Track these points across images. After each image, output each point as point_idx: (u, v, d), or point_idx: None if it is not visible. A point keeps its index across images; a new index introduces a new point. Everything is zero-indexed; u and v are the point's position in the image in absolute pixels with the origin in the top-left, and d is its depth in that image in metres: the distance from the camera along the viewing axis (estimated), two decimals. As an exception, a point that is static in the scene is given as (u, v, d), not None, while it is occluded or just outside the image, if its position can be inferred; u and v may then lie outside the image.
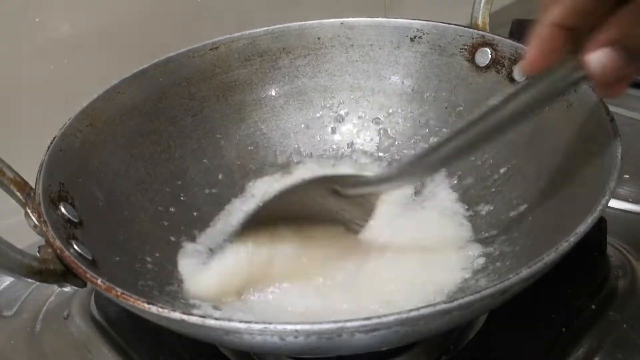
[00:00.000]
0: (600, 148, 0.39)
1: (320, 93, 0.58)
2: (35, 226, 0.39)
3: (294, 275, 0.43)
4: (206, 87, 0.55)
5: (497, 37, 0.52)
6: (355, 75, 0.58)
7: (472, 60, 0.53)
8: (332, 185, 0.43)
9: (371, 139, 0.58)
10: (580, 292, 0.44)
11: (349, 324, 0.28)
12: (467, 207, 0.50)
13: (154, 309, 0.30)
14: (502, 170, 0.49)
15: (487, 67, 0.52)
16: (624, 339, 0.42)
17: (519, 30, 0.79)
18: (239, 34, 0.56)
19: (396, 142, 0.57)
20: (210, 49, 0.55)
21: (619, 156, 0.37)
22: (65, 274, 0.37)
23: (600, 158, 0.38)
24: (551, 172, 0.44)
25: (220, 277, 0.43)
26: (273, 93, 0.58)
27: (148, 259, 0.44)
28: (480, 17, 0.55)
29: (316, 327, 0.29)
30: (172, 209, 0.50)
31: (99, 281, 0.33)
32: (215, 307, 0.42)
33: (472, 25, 0.55)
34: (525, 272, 0.30)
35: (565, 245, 0.32)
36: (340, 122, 0.58)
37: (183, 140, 0.53)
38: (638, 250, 0.48)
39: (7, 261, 0.35)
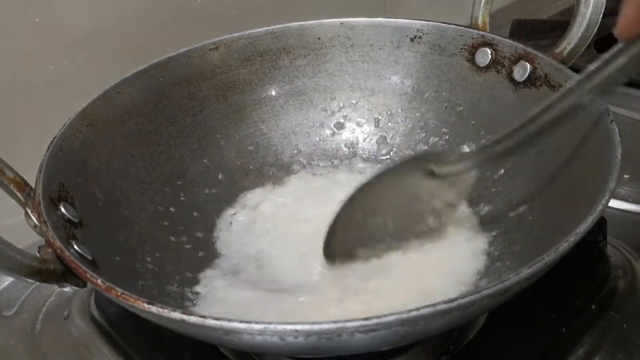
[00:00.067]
0: (600, 148, 0.39)
1: (320, 93, 0.58)
2: (35, 226, 0.39)
3: None
4: (206, 87, 0.55)
5: (497, 37, 0.52)
6: (355, 75, 0.58)
7: (472, 60, 0.53)
8: (426, 164, 0.43)
9: (371, 139, 0.58)
10: (580, 292, 0.44)
11: (349, 324, 0.28)
12: (467, 208, 0.50)
13: (154, 309, 0.30)
14: (502, 170, 0.49)
15: (487, 67, 0.52)
16: (624, 339, 0.42)
17: (519, 30, 0.79)
18: (239, 34, 0.56)
19: (396, 142, 0.57)
20: (210, 49, 0.55)
21: (619, 156, 0.37)
22: (65, 274, 0.37)
23: (600, 158, 0.38)
24: (551, 172, 0.44)
25: None
26: (273, 93, 0.58)
27: (148, 259, 0.44)
28: (480, 17, 0.55)
29: (316, 327, 0.29)
30: (172, 209, 0.50)
31: (99, 281, 0.33)
32: None
33: (472, 25, 0.55)
34: (525, 272, 0.30)
35: (565, 245, 0.32)
36: (340, 122, 0.58)
37: (183, 140, 0.53)
38: (638, 250, 0.48)
39: (7, 261, 0.35)
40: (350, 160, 0.57)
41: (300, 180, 0.55)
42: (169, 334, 0.34)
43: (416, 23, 0.55)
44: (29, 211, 0.39)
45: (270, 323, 0.29)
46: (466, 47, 0.53)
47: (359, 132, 0.58)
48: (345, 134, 0.58)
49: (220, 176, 0.54)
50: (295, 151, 0.57)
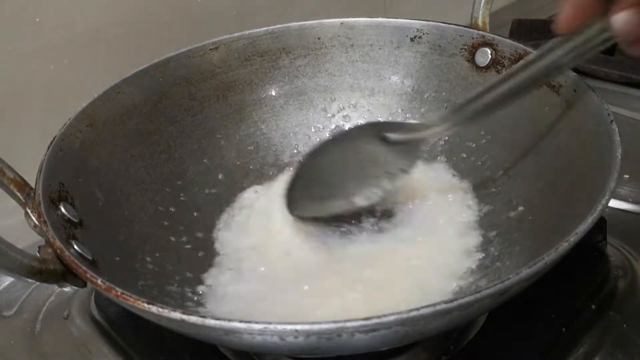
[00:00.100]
0: (600, 148, 0.39)
1: (320, 93, 0.58)
2: (35, 226, 0.39)
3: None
4: (206, 87, 0.55)
5: (497, 37, 0.52)
6: (355, 75, 0.58)
7: (472, 60, 0.53)
8: (380, 131, 0.46)
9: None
10: (580, 292, 0.44)
11: (349, 324, 0.28)
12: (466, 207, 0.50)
13: (154, 309, 0.30)
14: (502, 170, 0.49)
15: (487, 67, 0.52)
16: (624, 339, 0.42)
17: (519, 30, 0.79)
18: (239, 34, 0.56)
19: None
20: (210, 49, 0.55)
21: (619, 156, 0.37)
22: (65, 274, 0.37)
23: (600, 158, 0.38)
24: (551, 172, 0.44)
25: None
26: (273, 93, 0.58)
27: (148, 259, 0.44)
28: (480, 17, 0.55)
29: (316, 327, 0.29)
30: (172, 209, 0.50)
31: (99, 281, 0.33)
32: None
33: (472, 25, 0.55)
34: (525, 272, 0.30)
35: (565, 245, 0.32)
36: (340, 122, 0.58)
37: (183, 140, 0.53)
38: (638, 250, 0.48)
39: (7, 261, 0.35)
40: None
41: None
42: (169, 334, 0.34)
43: (416, 23, 0.55)
44: (29, 211, 0.39)
45: (270, 323, 0.29)
46: (466, 47, 0.53)
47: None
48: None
49: (220, 176, 0.54)
50: (295, 151, 0.57)
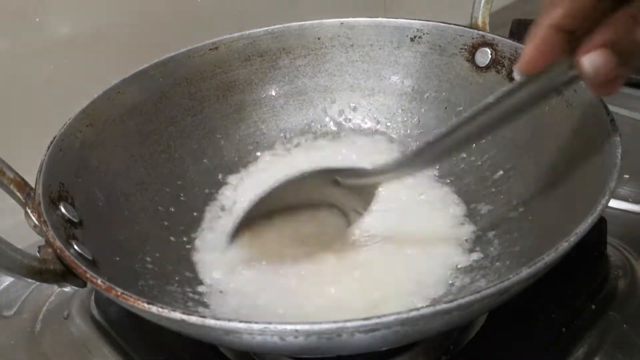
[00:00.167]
0: (600, 148, 0.39)
1: (320, 93, 0.58)
2: (35, 226, 0.39)
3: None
4: (206, 87, 0.55)
5: (497, 37, 0.52)
6: (355, 75, 0.58)
7: (472, 60, 0.53)
8: (331, 176, 0.44)
9: (371, 139, 0.58)
10: (580, 292, 0.44)
11: (348, 324, 0.28)
12: (466, 207, 0.50)
13: (154, 309, 0.30)
14: (502, 170, 0.49)
15: (487, 67, 0.52)
16: (624, 339, 0.42)
17: (519, 30, 0.79)
18: (239, 34, 0.56)
19: (396, 142, 0.57)
20: (210, 49, 0.55)
21: (619, 156, 0.37)
22: (65, 274, 0.37)
23: (600, 158, 0.38)
24: (551, 172, 0.44)
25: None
26: (273, 93, 0.58)
27: (148, 259, 0.44)
28: (480, 17, 0.55)
29: (316, 327, 0.29)
30: (172, 209, 0.50)
31: (99, 281, 0.33)
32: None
33: (472, 25, 0.55)
34: (525, 272, 0.30)
35: (565, 245, 0.32)
36: (340, 122, 0.58)
37: (183, 140, 0.53)
38: (638, 250, 0.48)
39: (7, 261, 0.35)
40: (350, 160, 0.57)
41: (295, 162, 0.55)
42: (169, 334, 0.34)
43: (416, 23, 0.55)
44: (29, 211, 0.39)
45: (270, 323, 0.29)
46: (466, 47, 0.53)
47: (358, 132, 0.58)
48: (345, 134, 0.58)
49: (220, 176, 0.54)
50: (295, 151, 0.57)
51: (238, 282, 0.44)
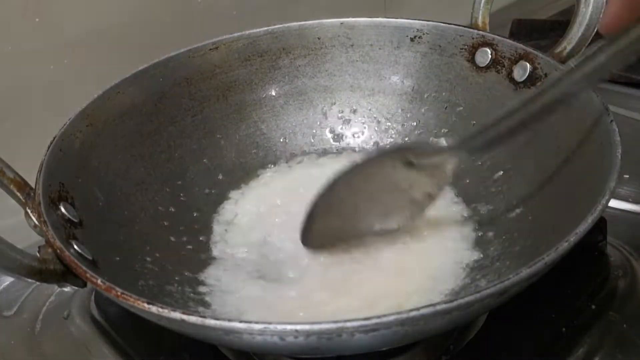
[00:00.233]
0: (600, 148, 0.39)
1: (320, 93, 0.58)
2: (35, 226, 0.39)
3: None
4: (206, 87, 0.55)
5: (497, 37, 0.52)
6: (355, 75, 0.58)
7: (472, 60, 0.53)
8: (405, 155, 0.43)
9: (371, 139, 0.58)
10: (580, 292, 0.44)
11: (349, 324, 0.28)
12: (466, 207, 0.50)
13: (154, 309, 0.30)
14: (502, 170, 0.49)
15: (487, 67, 0.52)
16: (624, 339, 0.42)
17: (519, 30, 0.79)
18: (239, 34, 0.56)
19: (396, 143, 0.57)
20: (210, 49, 0.55)
21: (619, 156, 0.37)
22: (65, 274, 0.37)
23: (600, 158, 0.38)
24: (551, 172, 0.44)
25: None
26: (273, 93, 0.58)
27: (148, 259, 0.44)
28: (480, 17, 0.55)
29: (316, 327, 0.29)
30: (172, 209, 0.50)
31: (99, 281, 0.33)
32: None
33: (472, 25, 0.55)
34: (525, 272, 0.30)
35: (565, 245, 0.32)
36: (340, 122, 0.58)
37: (183, 140, 0.53)
38: (638, 250, 0.48)
39: (7, 261, 0.35)
40: (349, 160, 0.57)
41: (297, 177, 0.55)
42: (169, 334, 0.34)
43: (416, 23, 0.55)
44: (29, 211, 0.39)
45: (270, 323, 0.29)
46: (466, 47, 0.53)
47: (358, 133, 0.58)
48: (345, 134, 0.58)
49: (220, 176, 0.54)
50: (295, 151, 0.57)
51: (241, 282, 0.44)
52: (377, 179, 0.44)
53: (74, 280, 0.37)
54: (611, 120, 0.40)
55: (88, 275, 0.33)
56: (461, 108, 0.54)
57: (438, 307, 0.29)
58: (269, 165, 0.56)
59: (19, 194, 0.39)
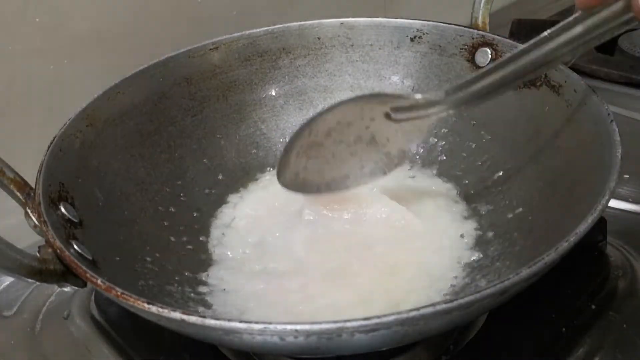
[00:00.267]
0: (600, 148, 0.39)
1: (320, 93, 0.58)
2: (35, 226, 0.39)
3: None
4: (206, 87, 0.55)
5: (497, 37, 0.52)
6: (355, 75, 0.58)
7: (472, 60, 0.53)
8: (385, 105, 0.44)
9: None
10: (580, 292, 0.44)
11: (349, 324, 0.28)
12: (466, 207, 0.50)
13: (154, 309, 0.30)
14: (502, 171, 0.49)
15: (487, 67, 0.52)
16: (624, 339, 0.42)
17: (519, 30, 0.79)
18: (239, 34, 0.56)
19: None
20: (210, 49, 0.55)
21: (619, 156, 0.37)
22: (65, 274, 0.37)
23: (600, 158, 0.38)
24: (551, 172, 0.44)
25: None
26: (273, 93, 0.58)
27: (148, 259, 0.44)
28: (480, 17, 0.55)
29: (316, 327, 0.29)
30: (172, 209, 0.50)
31: (99, 281, 0.33)
32: None
33: (472, 25, 0.55)
34: (525, 272, 0.30)
35: (565, 245, 0.32)
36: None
37: (183, 140, 0.53)
38: (638, 250, 0.48)
39: (7, 261, 0.35)
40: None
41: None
42: (169, 334, 0.34)
43: (416, 23, 0.55)
44: (29, 211, 0.39)
45: (270, 323, 0.29)
46: (466, 47, 0.53)
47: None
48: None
49: (220, 176, 0.54)
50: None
51: (241, 281, 0.45)
52: (356, 128, 0.44)
53: (74, 280, 0.37)
54: (611, 120, 0.40)
55: (88, 275, 0.33)
56: (461, 108, 0.54)
57: (438, 307, 0.29)
58: (268, 169, 0.56)
59: (19, 194, 0.39)
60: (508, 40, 0.51)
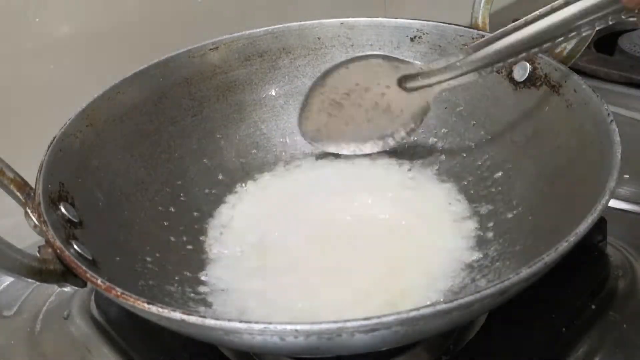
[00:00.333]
0: (600, 148, 0.39)
1: (320, 93, 0.58)
2: (35, 226, 0.39)
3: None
4: (206, 87, 0.55)
5: (497, 37, 0.52)
6: (356, 75, 0.58)
7: (472, 60, 0.53)
8: (397, 72, 0.48)
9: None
10: (580, 292, 0.44)
11: (349, 324, 0.28)
12: (466, 207, 0.50)
13: (154, 309, 0.30)
14: (502, 171, 0.49)
15: (487, 67, 0.52)
16: (624, 339, 0.42)
17: (519, 30, 0.79)
18: (239, 34, 0.56)
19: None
20: (210, 49, 0.55)
21: (619, 156, 0.37)
22: (65, 274, 0.37)
23: (600, 158, 0.38)
24: (551, 172, 0.44)
25: None
26: (273, 93, 0.58)
27: (148, 259, 0.44)
28: (480, 17, 0.55)
29: (316, 327, 0.29)
30: (172, 209, 0.50)
31: (99, 281, 0.33)
32: None
33: (472, 25, 0.55)
34: (525, 272, 0.30)
35: (565, 245, 0.32)
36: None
37: (183, 140, 0.53)
38: (638, 250, 0.48)
39: (7, 261, 0.34)
40: (349, 160, 0.57)
41: (298, 177, 0.55)
42: (169, 334, 0.34)
43: (416, 23, 0.55)
44: (29, 211, 0.39)
45: (270, 323, 0.29)
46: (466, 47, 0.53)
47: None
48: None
49: (220, 176, 0.54)
50: (295, 152, 0.57)
51: (241, 280, 0.45)
52: (373, 93, 0.49)
53: (74, 280, 0.37)
54: (611, 120, 0.40)
55: (88, 275, 0.33)
56: (461, 108, 0.54)
57: (438, 307, 0.29)
58: (268, 169, 0.56)
59: (19, 194, 0.39)
60: (508, 40, 0.51)
